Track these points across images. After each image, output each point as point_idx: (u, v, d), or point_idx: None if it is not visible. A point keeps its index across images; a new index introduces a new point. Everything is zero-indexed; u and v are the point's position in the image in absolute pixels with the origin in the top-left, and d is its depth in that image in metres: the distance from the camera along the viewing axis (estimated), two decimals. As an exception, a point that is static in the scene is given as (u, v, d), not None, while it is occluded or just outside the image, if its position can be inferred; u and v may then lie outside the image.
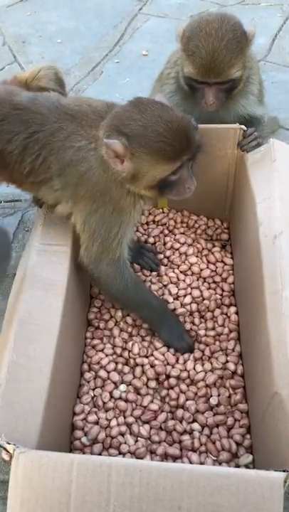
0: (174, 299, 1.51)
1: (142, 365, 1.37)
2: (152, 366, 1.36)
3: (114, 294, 1.37)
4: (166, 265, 1.60)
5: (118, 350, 1.40)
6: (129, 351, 1.39)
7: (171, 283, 1.54)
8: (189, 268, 1.57)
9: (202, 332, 1.44)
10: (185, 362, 1.37)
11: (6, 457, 0.93)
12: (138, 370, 1.36)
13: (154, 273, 1.58)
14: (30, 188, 1.37)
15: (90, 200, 1.24)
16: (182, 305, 1.49)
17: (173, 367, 1.36)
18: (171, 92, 1.61)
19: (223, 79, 1.42)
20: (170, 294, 1.51)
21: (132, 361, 1.37)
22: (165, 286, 1.54)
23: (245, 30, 1.42)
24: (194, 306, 1.49)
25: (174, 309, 1.47)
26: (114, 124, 1.16)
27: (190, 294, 1.51)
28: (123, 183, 1.21)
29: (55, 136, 1.24)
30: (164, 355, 1.38)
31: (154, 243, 1.66)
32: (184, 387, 1.32)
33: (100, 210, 1.24)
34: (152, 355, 1.38)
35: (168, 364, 1.37)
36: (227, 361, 1.36)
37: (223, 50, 1.36)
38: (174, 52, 1.65)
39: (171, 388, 1.32)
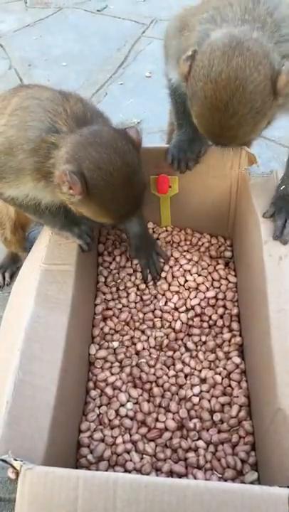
0: (177, 313, 1.52)
1: (150, 384, 1.38)
2: (158, 385, 1.38)
3: None
4: (169, 282, 1.61)
5: (124, 369, 1.41)
6: (141, 369, 1.41)
7: (175, 299, 1.55)
8: (196, 288, 1.58)
9: (205, 348, 1.45)
10: (190, 379, 1.38)
11: (12, 475, 0.93)
12: (144, 388, 1.38)
13: (159, 289, 1.59)
14: None
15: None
16: (187, 320, 1.51)
17: (179, 384, 1.38)
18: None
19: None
20: (174, 308, 1.54)
21: (137, 380, 1.39)
22: (168, 301, 1.56)
23: (274, 76, 1.03)
24: (198, 324, 1.51)
25: (181, 325, 1.49)
26: (79, 157, 1.10)
27: (192, 309, 1.53)
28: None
29: None
30: (167, 375, 1.40)
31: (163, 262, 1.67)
32: (188, 404, 1.33)
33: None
34: (157, 374, 1.40)
35: (175, 383, 1.39)
36: (230, 378, 1.37)
37: (235, 128, 1.06)
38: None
39: (178, 409, 1.33)
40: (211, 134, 1.10)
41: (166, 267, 1.64)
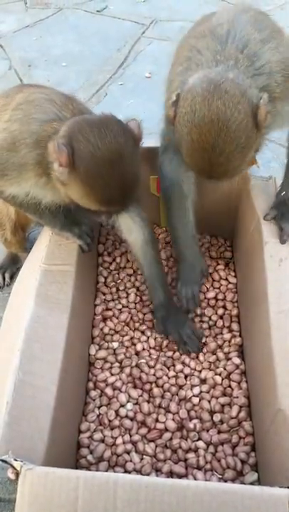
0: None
1: (150, 384, 1.38)
2: (158, 386, 1.38)
3: None
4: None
5: (124, 370, 1.41)
6: (141, 370, 1.41)
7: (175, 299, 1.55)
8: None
9: (206, 349, 1.45)
10: (190, 379, 1.38)
11: (11, 476, 0.93)
12: (144, 388, 1.38)
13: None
14: None
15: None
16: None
17: (179, 385, 1.38)
18: None
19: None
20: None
21: (137, 381, 1.39)
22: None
23: (254, 111, 1.07)
24: (198, 325, 1.51)
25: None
26: (72, 130, 1.10)
27: (193, 311, 1.53)
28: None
29: None
30: (167, 375, 1.41)
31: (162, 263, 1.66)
32: (188, 405, 1.33)
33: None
34: (157, 374, 1.40)
35: (175, 384, 1.39)
36: (230, 379, 1.37)
37: (224, 165, 1.10)
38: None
39: (178, 408, 1.33)
40: (202, 172, 1.14)
41: (166, 268, 1.64)
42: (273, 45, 1.16)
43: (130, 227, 1.42)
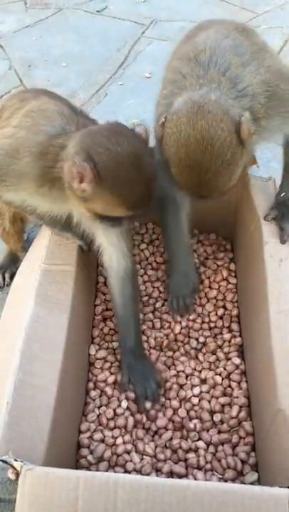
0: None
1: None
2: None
3: None
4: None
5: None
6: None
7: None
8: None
9: (206, 349, 1.45)
10: (190, 379, 1.38)
11: (11, 476, 0.93)
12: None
13: (157, 290, 1.59)
14: None
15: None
16: (187, 321, 1.51)
17: (179, 385, 1.38)
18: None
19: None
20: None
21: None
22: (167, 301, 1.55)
23: (237, 128, 1.11)
24: (197, 325, 1.51)
25: (182, 327, 1.49)
26: (86, 144, 1.10)
27: (194, 310, 1.54)
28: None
29: None
30: (168, 375, 1.40)
31: (164, 262, 1.67)
32: (188, 405, 1.33)
33: None
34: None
35: (175, 383, 1.38)
36: (230, 379, 1.37)
37: (212, 181, 1.14)
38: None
39: (178, 408, 1.33)
40: (190, 190, 1.18)
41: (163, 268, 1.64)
42: (254, 68, 1.21)
43: (111, 254, 1.37)
